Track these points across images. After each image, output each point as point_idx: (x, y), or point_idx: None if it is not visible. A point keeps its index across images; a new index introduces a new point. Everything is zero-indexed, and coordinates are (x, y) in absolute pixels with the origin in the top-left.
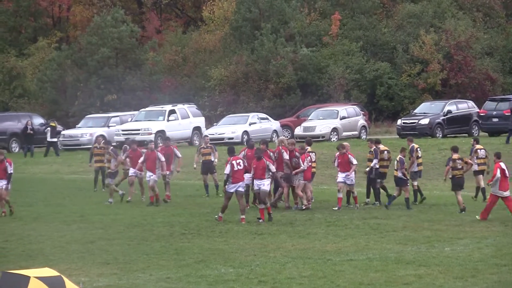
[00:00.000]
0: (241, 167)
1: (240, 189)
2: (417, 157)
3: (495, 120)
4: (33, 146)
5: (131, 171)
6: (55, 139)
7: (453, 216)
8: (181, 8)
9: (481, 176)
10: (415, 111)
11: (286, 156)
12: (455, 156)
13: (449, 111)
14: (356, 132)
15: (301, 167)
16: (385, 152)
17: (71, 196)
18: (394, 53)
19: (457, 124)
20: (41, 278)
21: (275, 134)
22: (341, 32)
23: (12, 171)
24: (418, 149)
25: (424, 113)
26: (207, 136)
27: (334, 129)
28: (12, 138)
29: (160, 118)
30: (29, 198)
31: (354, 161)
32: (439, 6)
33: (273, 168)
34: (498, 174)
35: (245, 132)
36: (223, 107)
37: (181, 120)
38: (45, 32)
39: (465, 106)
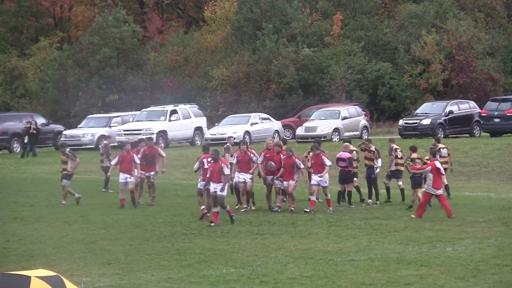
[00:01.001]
0: None
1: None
2: (396, 157)
3: (496, 120)
4: (36, 146)
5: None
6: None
7: (455, 216)
8: (182, 8)
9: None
10: (416, 111)
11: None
12: (414, 155)
13: (451, 112)
14: (357, 133)
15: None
16: (354, 152)
17: (72, 196)
18: (395, 54)
19: (458, 125)
20: (42, 278)
21: (276, 134)
22: (342, 33)
23: None
24: (398, 150)
25: (426, 113)
26: (232, 137)
27: (336, 129)
28: (14, 138)
29: (161, 118)
30: (30, 198)
31: (328, 162)
32: (441, 7)
33: (226, 171)
34: (428, 169)
35: (247, 132)
36: (225, 107)
37: (183, 120)
38: (46, 32)
39: (466, 107)
